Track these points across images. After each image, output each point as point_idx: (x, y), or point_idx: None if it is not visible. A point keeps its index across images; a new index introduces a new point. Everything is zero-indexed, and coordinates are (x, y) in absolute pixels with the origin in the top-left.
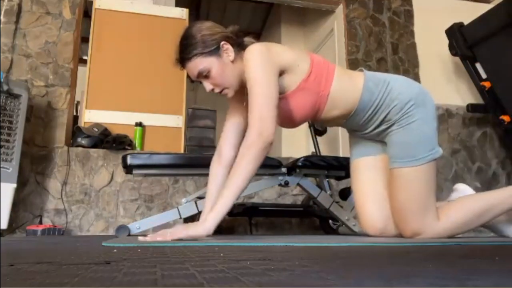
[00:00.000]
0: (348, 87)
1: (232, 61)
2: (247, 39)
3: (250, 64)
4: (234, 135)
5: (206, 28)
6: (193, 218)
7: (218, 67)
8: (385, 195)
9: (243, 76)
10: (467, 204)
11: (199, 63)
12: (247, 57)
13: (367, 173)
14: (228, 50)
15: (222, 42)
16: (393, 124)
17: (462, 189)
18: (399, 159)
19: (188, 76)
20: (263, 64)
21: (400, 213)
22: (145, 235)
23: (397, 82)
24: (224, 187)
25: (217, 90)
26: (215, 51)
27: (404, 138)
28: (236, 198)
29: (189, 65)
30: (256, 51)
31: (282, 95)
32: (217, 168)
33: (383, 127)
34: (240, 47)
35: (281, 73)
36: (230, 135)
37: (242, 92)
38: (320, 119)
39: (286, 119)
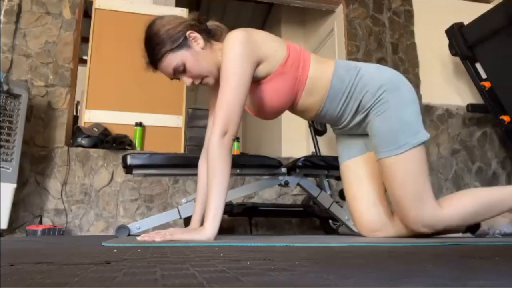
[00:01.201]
0: (322, 73)
1: (203, 48)
2: (210, 23)
3: (229, 53)
4: None
5: (167, 23)
6: None
7: (192, 58)
8: (378, 195)
9: (220, 62)
10: (474, 193)
11: (171, 60)
12: (227, 44)
13: (354, 175)
14: (196, 38)
15: (188, 32)
16: (368, 113)
17: None
18: (382, 148)
19: None
20: (242, 54)
21: (396, 203)
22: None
23: (369, 69)
24: (208, 192)
25: (197, 82)
26: (184, 43)
27: (383, 126)
28: (224, 198)
29: (162, 65)
30: (237, 39)
31: (260, 82)
32: (206, 166)
33: (359, 117)
34: (207, 33)
35: (260, 62)
36: None
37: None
38: (297, 108)
39: (262, 108)
